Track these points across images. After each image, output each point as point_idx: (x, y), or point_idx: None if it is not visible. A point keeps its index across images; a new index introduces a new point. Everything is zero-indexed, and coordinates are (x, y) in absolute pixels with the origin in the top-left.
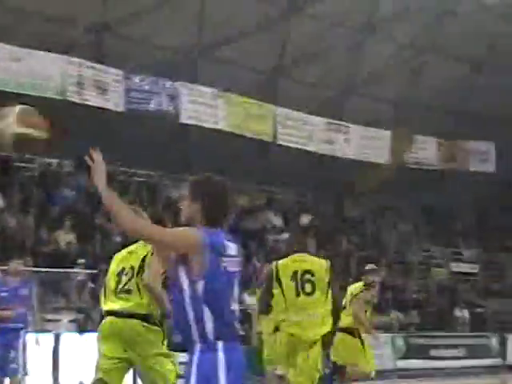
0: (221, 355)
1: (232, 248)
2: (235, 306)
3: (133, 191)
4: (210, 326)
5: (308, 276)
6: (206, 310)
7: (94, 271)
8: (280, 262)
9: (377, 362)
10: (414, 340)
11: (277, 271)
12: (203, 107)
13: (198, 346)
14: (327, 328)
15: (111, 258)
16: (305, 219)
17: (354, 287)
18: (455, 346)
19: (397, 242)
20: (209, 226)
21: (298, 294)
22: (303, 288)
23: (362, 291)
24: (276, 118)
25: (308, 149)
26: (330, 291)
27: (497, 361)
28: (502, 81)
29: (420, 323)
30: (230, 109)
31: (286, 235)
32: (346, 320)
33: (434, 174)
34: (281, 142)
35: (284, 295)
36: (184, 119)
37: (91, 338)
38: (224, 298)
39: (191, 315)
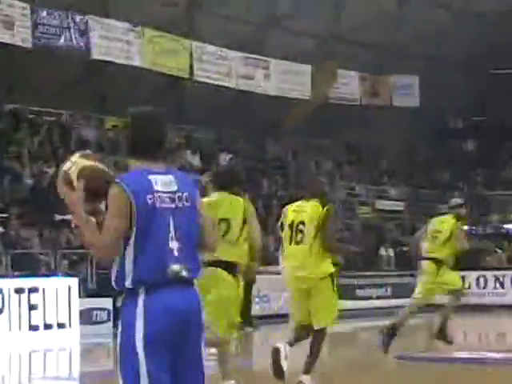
0: (140, 302)
1: (159, 181)
2: (173, 244)
3: (44, 131)
4: (129, 270)
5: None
6: (127, 253)
7: (4, 215)
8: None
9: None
10: (340, 280)
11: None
12: (115, 43)
13: (124, 294)
14: None
15: (22, 201)
16: (224, 159)
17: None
18: (381, 286)
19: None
20: (139, 161)
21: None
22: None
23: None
24: (192, 52)
25: (226, 85)
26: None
27: None
28: (426, 14)
29: (345, 263)
30: (144, 44)
31: (205, 176)
32: None
33: (357, 110)
34: (198, 78)
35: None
36: (95, 55)
37: (2, 283)
38: (149, 239)
39: (117, 260)
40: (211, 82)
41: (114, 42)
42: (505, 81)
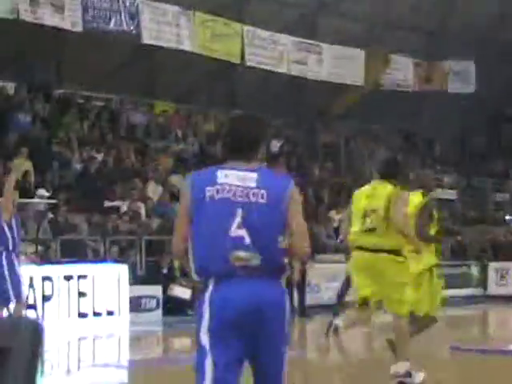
0: (207, 294)
1: (231, 176)
2: (239, 233)
3: (93, 116)
4: (192, 261)
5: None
6: (190, 246)
7: (53, 201)
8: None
9: None
10: None
11: None
12: (166, 26)
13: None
14: None
15: (70, 186)
16: (275, 145)
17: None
18: None
19: (372, 167)
20: (228, 160)
21: None
22: None
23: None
24: (244, 37)
25: (278, 70)
26: None
27: (478, 290)
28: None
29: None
30: (195, 28)
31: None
32: None
33: (410, 96)
34: (249, 63)
35: None
36: (146, 39)
37: (51, 269)
38: (208, 229)
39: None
40: (263, 67)
41: (164, 25)
42: None
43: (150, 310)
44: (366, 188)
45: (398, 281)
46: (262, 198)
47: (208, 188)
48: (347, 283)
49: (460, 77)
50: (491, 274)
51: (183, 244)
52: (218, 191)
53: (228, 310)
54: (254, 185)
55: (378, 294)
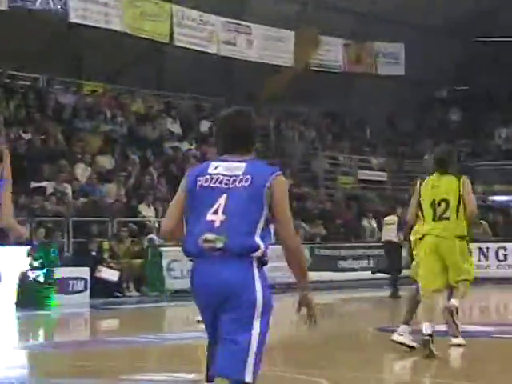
0: (191, 273)
1: (220, 167)
2: (211, 217)
3: (19, 96)
4: (183, 244)
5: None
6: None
7: None
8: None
9: (279, 275)
10: (321, 251)
11: None
12: (94, 5)
13: None
14: None
15: None
16: (205, 126)
17: None
18: (364, 257)
19: (302, 150)
20: (220, 155)
21: None
22: None
23: None
24: (173, 17)
25: (207, 50)
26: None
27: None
28: None
29: (327, 234)
30: (124, 7)
31: (184, 144)
32: None
33: (340, 78)
34: (178, 44)
35: None
36: (73, 18)
37: None
38: (193, 213)
39: None
40: (192, 47)
41: (92, 4)
42: (490, 49)
43: (77, 292)
44: (431, 178)
45: (463, 261)
46: (246, 182)
47: (199, 178)
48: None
49: (390, 59)
50: None
51: (170, 226)
52: (206, 180)
53: (198, 287)
54: (240, 173)
55: (444, 280)
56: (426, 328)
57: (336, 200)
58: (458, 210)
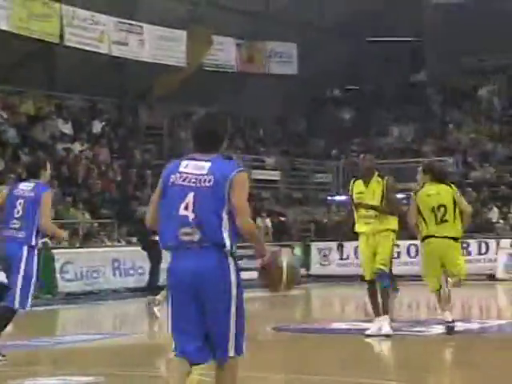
0: (169, 262)
1: (189, 166)
2: (184, 212)
3: None
4: (159, 236)
5: None
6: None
7: None
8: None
9: None
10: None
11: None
12: None
13: None
14: None
15: None
16: (97, 127)
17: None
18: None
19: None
20: (194, 153)
21: None
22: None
23: None
24: (63, 17)
25: (99, 50)
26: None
27: (301, 271)
28: None
29: None
30: (12, 7)
31: (76, 145)
32: None
33: (232, 77)
34: (69, 44)
35: None
36: None
37: None
38: (166, 209)
39: None
40: (83, 47)
41: None
42: (380, 49)
43: None
44: (428, 189)
45: (457, 258)
46: (209, 182)
47: (171, 176)
48: None
49: (282, 58)
50: (314, 254)
51: (152, 220)
52: (177, 178)
53: (175, 275)
54: (205, 172)
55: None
56: (447, 316)
57: None
58: (454, 214)
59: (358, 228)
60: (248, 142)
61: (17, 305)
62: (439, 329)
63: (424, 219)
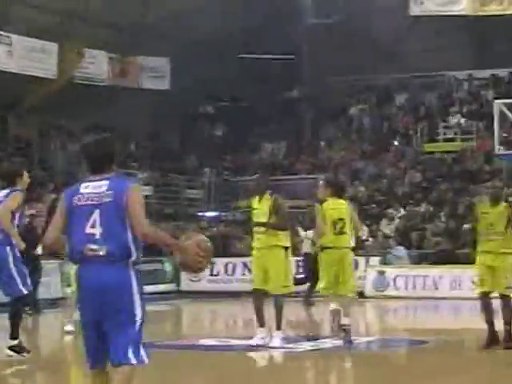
0: (76, 275)
1: (89, 186)
2: (90, 230)
3: None
4: (68, 252)
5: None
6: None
7: None
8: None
9: (44, 291)
10: None
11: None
12: None
13: None
14: None
15: None
16: None
17: None
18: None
19: (65, 163)
20: (90, 176)
21: None
22: None
23: None
24: None
25: None
26: None
27: (171, 286)
28: None
29: None
30: None
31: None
32: None
33: (104, 91)
34: None
35: None
36: None
37: None
38: (73, 228)
39: None
40: None
41: None
42: (254, 66)
43: None
44: (331, 202)
45: (350, 275)
46: (110, 197)
47: (74, 197)
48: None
49: (154, 73)
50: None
51: (52, 235)
52: (79, 199)
53: (83, 286)
54: (105, 189)
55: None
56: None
57: None
58: (349, 227)
59: (253, 242)
60: (119, 157)
61: (24, 290)
62: (309, 345)
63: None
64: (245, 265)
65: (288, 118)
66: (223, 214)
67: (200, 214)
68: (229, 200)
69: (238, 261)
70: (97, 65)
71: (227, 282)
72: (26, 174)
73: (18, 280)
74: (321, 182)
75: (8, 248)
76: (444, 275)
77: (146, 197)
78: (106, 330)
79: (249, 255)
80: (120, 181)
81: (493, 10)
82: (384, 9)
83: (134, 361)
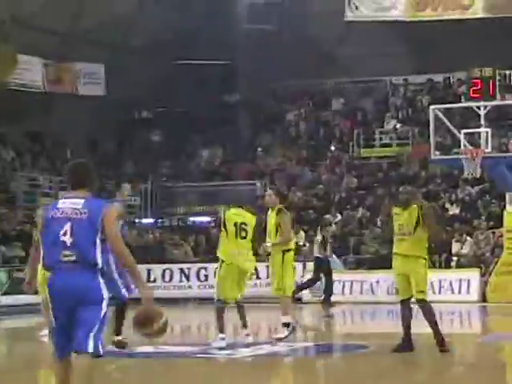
0: (49, 279)
1: (66, 202)
2: (63, 238)
3: None
4: (43, 258)
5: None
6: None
7: None
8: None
9: None
10: (19, 274)
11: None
12: None
13: None
14: None
15: None
16: None
17: None
18: None
19: (0, 170)
20: (68, 193)
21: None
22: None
23: None
24: None
25: None
26: None
27: None
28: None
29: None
30: None
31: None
32: None
33: (40, 98)
34: None
35: None
36: None
37: None
38: (49, 237)
39: None
40: None
41: None
42: (191, 70)
43: None
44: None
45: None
46: (84, 214)
47: (52, 211)
48: None
49: (90, 79)
50: None
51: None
52: (56, 213)
53: (54, 289)
54: (80, 207)
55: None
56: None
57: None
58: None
59: None
60: (55, 163)
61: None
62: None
63: (270, 236)
64: (182, 271)
65: (226, 123)
66: (160, 220)
67: (137, 220)
68: (167, 206)
69: (175, 267)
70: (32, 71)
71: (164, 288)
72: None
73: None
74: (269, 191)
75: None
76: (381, 280)
77: None
78: (73, 324)
79: (185, 262)
80: (96, 202)
81: (428, 15)
82: (321, 14)
83: (91, 350)
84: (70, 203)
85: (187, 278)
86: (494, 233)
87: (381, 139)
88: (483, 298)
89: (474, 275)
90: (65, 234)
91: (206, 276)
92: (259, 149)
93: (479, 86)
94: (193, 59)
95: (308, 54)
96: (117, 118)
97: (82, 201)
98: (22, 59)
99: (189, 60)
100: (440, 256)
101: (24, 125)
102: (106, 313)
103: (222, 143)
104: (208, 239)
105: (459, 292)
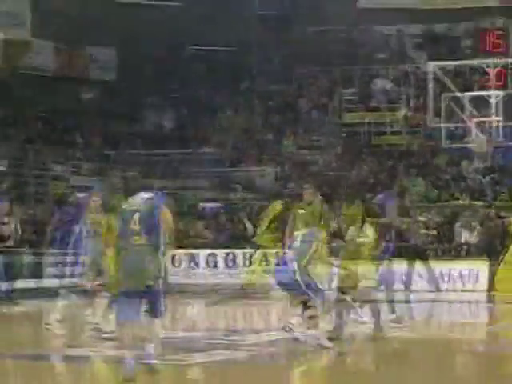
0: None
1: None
2: (135, 227)
3: None
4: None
5: None
6: None
7: None
8: None
9: None
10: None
11: None
12: None
13: None
14: None
15: None
16: None
17: None
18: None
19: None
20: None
21: None
22: None
23: None
24: None
25: None
26: None
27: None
28: None
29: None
30: None
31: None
32: None
33: (51, 81)
34: None
35: None
36: None
37: None
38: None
39: None
40: None
41: None
42: (201, 57)
43: None
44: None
45: None
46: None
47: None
48: None
49: (101, 63)
50: None
51: None
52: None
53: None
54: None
55: None
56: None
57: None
58: None
59: None
60: (66, 148)
61: None
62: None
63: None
64: None
65: (237, 110)
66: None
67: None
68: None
69: None
70: (43, 55)
71: None
72: None
73: None
74: (307, 188)
75: None
76: None
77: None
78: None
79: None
80: (154, 197)
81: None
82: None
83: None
84: (141, 199)
85: None
86: (503, 222)
87: (391, 126)
88: (492, 288)
89: (482, 265)
90: (135, 223)
91: None
92: (270, 135)
93: None
94: (205, 45)
95: (321, 41)
96: (129, 102)
97: (150, 196)
98: (35, 43)
99: (201, 46)
100: (450, 244)
101: (36, 107)
102: None
103: (233, 130)
104: None
105: (468, 281)
